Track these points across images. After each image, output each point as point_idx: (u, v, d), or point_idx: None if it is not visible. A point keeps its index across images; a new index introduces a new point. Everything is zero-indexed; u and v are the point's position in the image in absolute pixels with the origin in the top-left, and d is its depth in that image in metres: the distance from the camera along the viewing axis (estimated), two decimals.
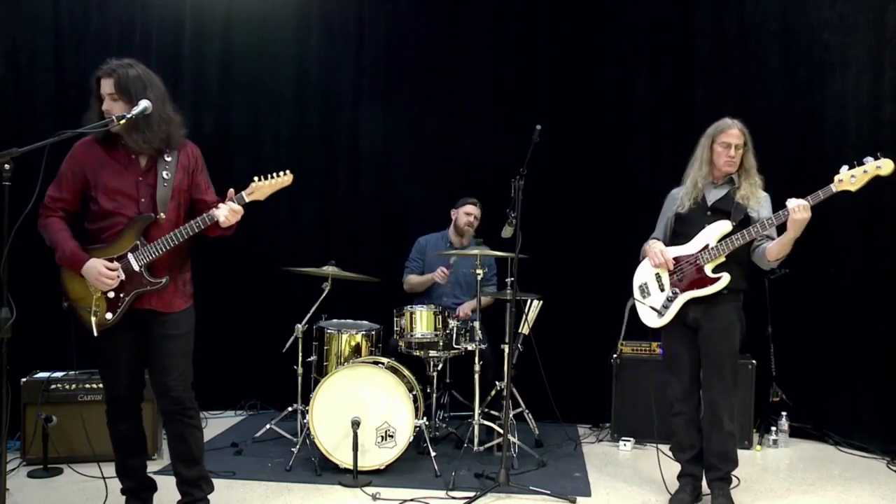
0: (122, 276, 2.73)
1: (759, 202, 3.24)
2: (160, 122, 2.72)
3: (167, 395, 2.80)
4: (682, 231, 3.35)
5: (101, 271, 2.69)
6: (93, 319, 2.73)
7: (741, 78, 4.76)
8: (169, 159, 2.80)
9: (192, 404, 2.86)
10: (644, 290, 3.41)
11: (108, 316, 2.74)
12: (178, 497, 2.91)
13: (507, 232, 3.67)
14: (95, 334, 2.75)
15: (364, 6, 5.11)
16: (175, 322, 2.82)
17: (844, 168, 2.99)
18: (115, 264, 2.72)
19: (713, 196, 3.32)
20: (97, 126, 2.63)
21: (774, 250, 3.13)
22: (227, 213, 2.75)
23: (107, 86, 2.68)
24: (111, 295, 2.74)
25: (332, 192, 5.15)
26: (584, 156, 4.97)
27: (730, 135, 3.25)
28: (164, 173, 2.78)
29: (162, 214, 2.76)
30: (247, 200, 2.81)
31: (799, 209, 2.97)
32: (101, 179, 2.75)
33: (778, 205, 3.15)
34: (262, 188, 2.83)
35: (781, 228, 3.11)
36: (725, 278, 3.18)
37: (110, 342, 2.79)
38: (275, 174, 2.85)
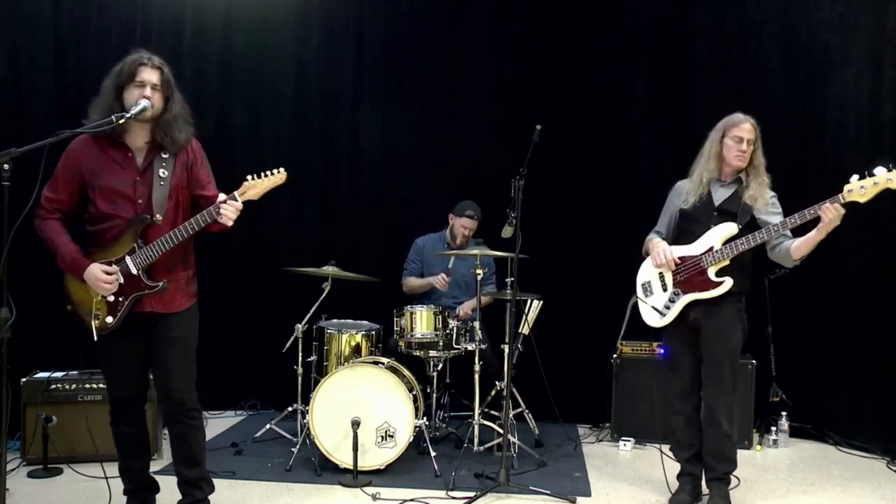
0: (122, 280, 2.70)
1: (766, 203, 3.19)
2: (185, 123, 2.75)
3: (170, 397, 2.80)
4: (687, 229, 3.31)
5: (98, 276, 2.66)
6: (94, 323, 2.72)
7: (741, 78, 4.75)
8: (166, 156, 2.75)
9: (194, 405, 2.84)
10: (647, 289, 3.38)
11: (109, 320, 2.72)
12: (179, 497, 2.90)
13: (507, 232, 3.67)
14: (95, 339, 2.73)
15: (364, 6, 5.11)
16: (178, 323, 2.79)
17: (854, 178, 2.87)
18: (114, 268, 2.69)
19: (720, 195, 3.28)
20: (97, 125, 2.60)
21: (801, 249, 3.06)
22: (230, 213, 2.67)
23: (154, 76, 2.68)
24: (111, 299, 2.71)
25: (332, 192, 5.15)
26: (584, 156, 4.97)
27: (742, 129, 3.22)
28: (161, 171, 2.73)
29: (158, 216, 2.70)
30: (240, 201, 2.70)
31: (835, 210, 2.88)
32: (98, 180, 2.71)
33: (779, 204, 3.15)
34: (255, 187, 2.73)
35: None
36: (728, 283, 3.15)
37: (113, 345, 2.77)
38: (268, 172, 2.75)
